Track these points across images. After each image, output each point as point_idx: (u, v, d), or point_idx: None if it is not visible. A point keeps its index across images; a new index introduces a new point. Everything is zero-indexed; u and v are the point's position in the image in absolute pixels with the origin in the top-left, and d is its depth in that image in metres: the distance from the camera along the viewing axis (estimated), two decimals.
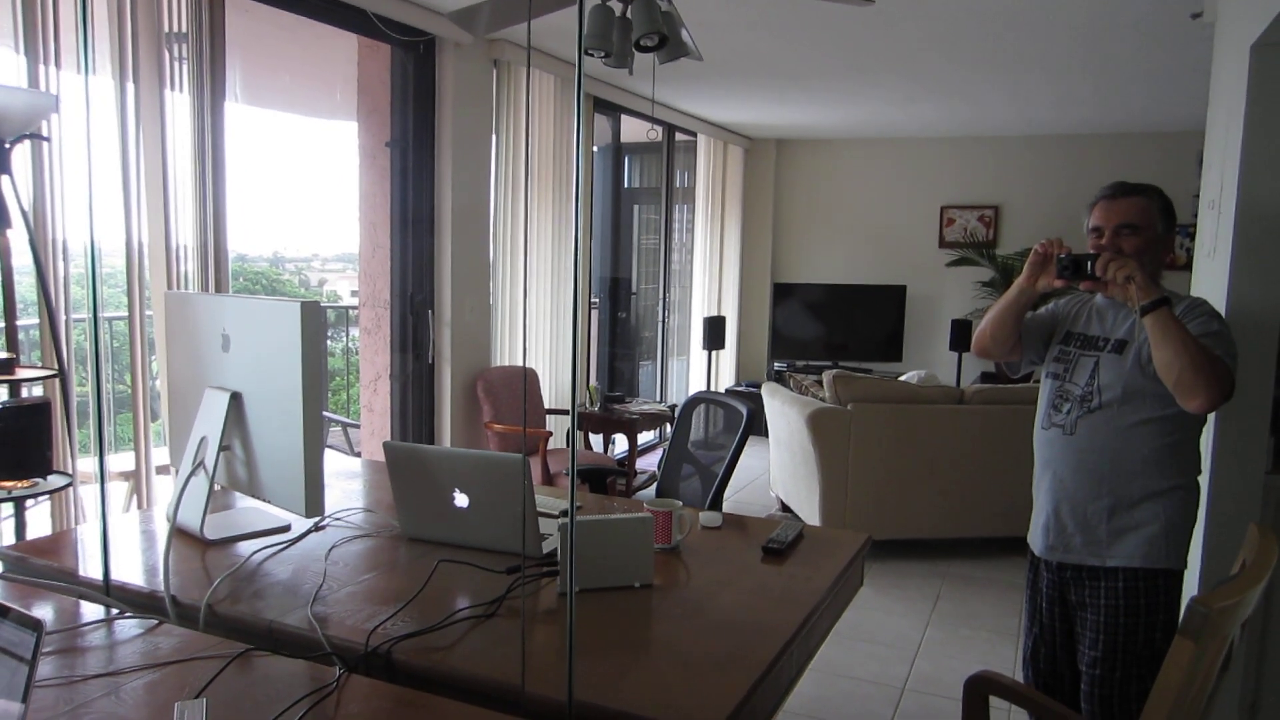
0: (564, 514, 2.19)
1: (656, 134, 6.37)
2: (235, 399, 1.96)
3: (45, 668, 1.35)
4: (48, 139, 2.40)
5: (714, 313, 7.45)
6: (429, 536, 2.00)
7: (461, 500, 1.94)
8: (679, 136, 6.89)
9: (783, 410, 4.71)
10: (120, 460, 3.09)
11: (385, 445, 2.00)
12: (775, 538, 2.05)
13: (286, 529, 2.06)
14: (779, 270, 8.12)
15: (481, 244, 4.57)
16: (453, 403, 4.46)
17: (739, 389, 7.48)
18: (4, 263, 2.19)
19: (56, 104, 2.40)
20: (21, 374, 2.19)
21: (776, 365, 7.64)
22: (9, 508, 2.33)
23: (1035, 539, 2.14)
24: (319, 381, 1.82)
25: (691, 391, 6.81)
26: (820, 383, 4.59)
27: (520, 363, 4.91)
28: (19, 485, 2.19)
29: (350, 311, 5.68)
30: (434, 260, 4.38)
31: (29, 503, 2.36)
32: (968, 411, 4.38)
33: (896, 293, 7.48)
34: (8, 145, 2.14)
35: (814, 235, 8.02)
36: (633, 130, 6.51)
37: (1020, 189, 7.33)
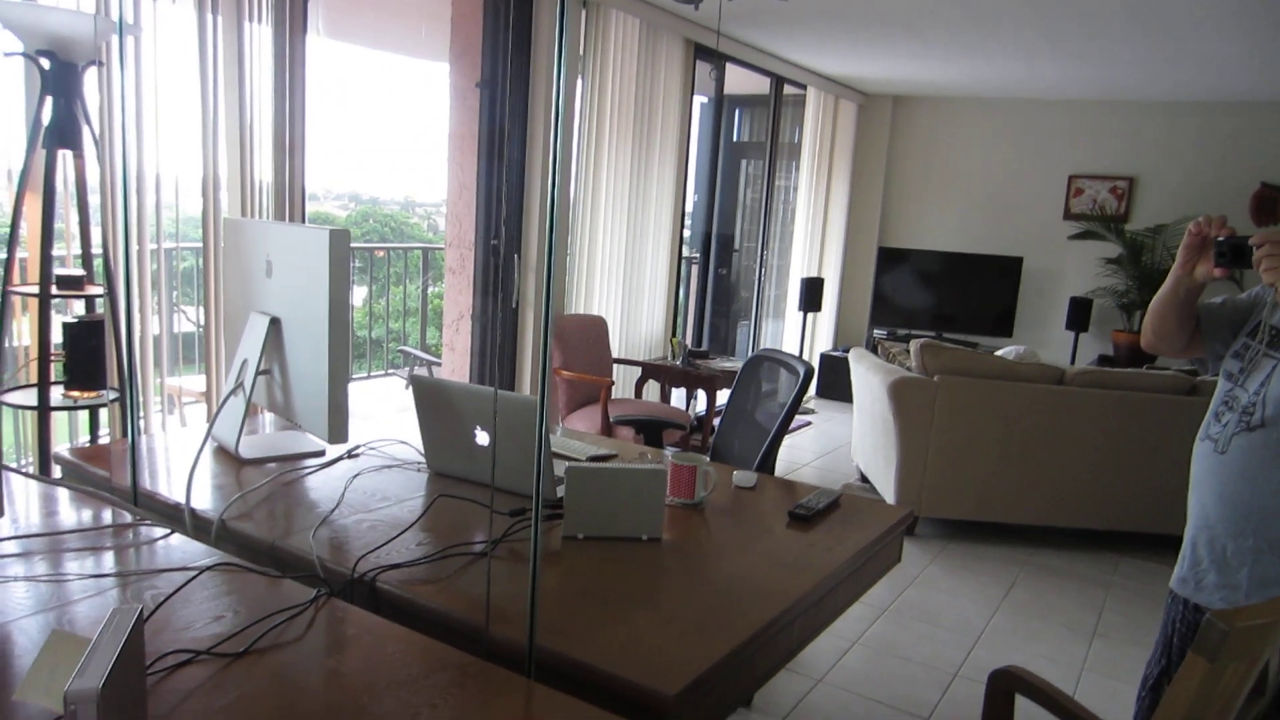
0: (590, 459, 2.16)
1: (713, 77, 6.06)
2: (275, 324, 2.00)
3: (49, 565, 1.42)
4: (101, 63, 2.45)
5: (814, 274, 7.23)
6: (451, 472, 2.01)
7: (483, 439, 1.92)
8: (788, 89, 6.64)
9: (866, 377, 4.54)
10: (198, 380, 3.25)
11: (412, 378, 2.00)
12: (804, 503, 1.96)
13: (321, 454, 2.11)
14: (886, 234, 7.79)
15: (569, 191, 4.53)
16: (534, 347, 4.49)
17: (835, 353, 7.27)
18: (80, 185, 2.29)
19: (127, 29, 2.45)
20: (89, 291, 2.31)
21: (877, 332, 7.37)
22: (83, 416, 2.47)
23: (1176, 567, 1.84)
24: (345, 309, 1.83)
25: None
26: (908, 351, 4.38)
27: (594, 310, 4.89)
28: (86, 395, 2.32)
29: None
30: (522, 203, 4.37)
31: (102, 412, 2.49)
32: (1067, 393, 4.10)
33: (1012, 264, 7.06)
34: (81, 69, 2.23)
35: (927, 199, 7.64)
36: (740, 81, 6.29)
37: (1160, 160, 6.75)
